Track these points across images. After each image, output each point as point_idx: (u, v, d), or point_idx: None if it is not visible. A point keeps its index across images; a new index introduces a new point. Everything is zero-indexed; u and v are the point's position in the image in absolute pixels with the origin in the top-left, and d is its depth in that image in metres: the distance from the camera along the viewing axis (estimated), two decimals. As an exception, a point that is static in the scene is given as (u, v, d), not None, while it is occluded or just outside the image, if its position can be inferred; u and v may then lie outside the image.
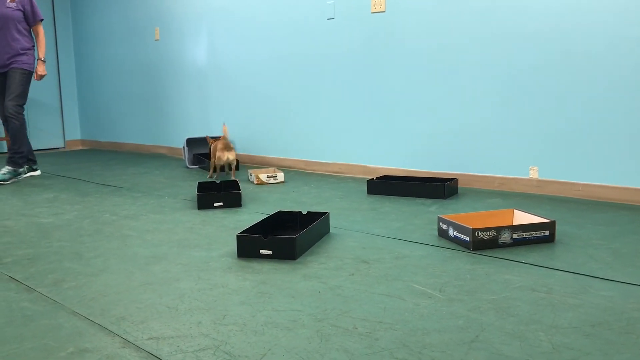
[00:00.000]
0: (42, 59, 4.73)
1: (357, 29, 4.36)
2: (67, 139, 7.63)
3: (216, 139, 4.74)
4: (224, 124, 4.56)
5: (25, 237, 2.77)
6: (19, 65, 4.60)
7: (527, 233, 2.40)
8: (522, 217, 2.62)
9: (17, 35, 4.58)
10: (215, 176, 4.43)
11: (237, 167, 4.61)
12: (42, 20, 4.73)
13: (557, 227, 2.67)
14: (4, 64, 4.58)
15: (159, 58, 6.29)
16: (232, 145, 4.26)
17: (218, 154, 4.23)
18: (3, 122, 4.67)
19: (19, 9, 4.57)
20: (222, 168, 4.61)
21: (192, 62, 5.87)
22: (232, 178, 4.27)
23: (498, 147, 3.70)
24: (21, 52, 4.60)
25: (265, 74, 5.10)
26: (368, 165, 4.42)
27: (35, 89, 7.28)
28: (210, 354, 1.46)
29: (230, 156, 4.21)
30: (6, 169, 4.62)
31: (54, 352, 1.51)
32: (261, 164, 5.25)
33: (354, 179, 4.36)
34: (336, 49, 4.52)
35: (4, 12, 4.51)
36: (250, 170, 4.31)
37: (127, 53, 6.74)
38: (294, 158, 4.96)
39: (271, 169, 4.35)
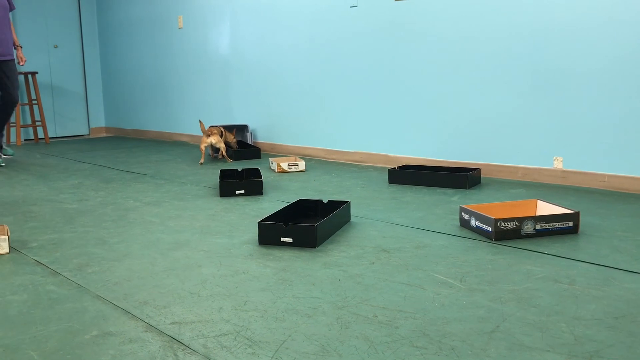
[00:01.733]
0: (20, 45, 5.04)
1: (380, 17, 4.33)
2: (91, 126, 7.72)
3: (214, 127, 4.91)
4: (200, 121, 4.78)
5: (51, 223, 2.82)
6: (13, 56, 4.82)
7: (551, 224, 2.37)
8: (545, 208, 2.59)
9: (8, 25, 4.78)
10: (201, 161, 4.73)
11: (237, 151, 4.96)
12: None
13: (581, 218, 2.64)
14: (6, 52, 4.74)
15: (182, 46, 6.32)
16: (214, 132, 4.66)
17: (202, 138, 4.66)
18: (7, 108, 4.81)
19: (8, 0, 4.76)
20: (216, 151, 5.01)
21: (214, 51, 5.89)
22: (229, 162, 4.75)
23: (522, 137, 3.66)
24: (10, 41, 4.78)
25: (288, 63, 5.10)
26: (389, 154, 4.41)
27: (60, 76, 7.38)
28: (231, 339, 1.48)
29: (213, 139, 4.63)
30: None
31: (78, 334, 1.54)
32: (282, 152, 5.26)
33: (375, 168, 4.35)
34: (359, 37, 4.49)
35: (3, 2, 4.68)
36: (271, 159, 4.33)
37: (150, 41, 6.78)
38: (315, 147, 4.96)
39: (292, 158, 4.36)
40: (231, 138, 4.99)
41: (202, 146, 4.65)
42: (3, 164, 4.86)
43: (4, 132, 5.05)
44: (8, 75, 4.73)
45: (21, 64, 4.98)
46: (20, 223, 2.82)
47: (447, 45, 3.95)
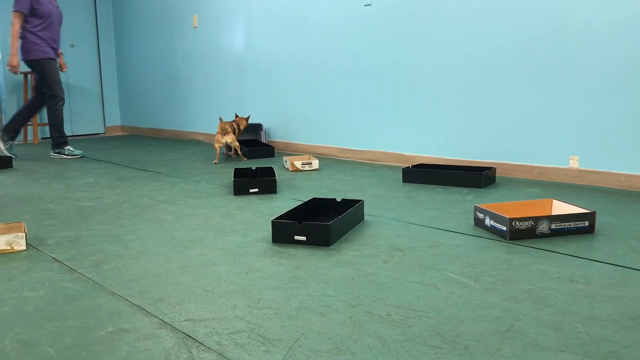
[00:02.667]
0: (62, 52, 5.64)
1: (394, 15, 4.32)
2: (107, 124, 7.79)
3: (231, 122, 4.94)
4: (220, 118, 4.72)
5: (67, 220, 2.84)
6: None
7: (566, 223, 2.35)
8: (561, 207, 2.57)
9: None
10: (215, 161, 4.75)
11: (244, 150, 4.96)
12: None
13: (597, 218, 2.62)
14: (57, 54, 5.33)
15: (197, 45, 6.35)
16: (229, 130, 4.61)
17: (217, 137, 4.63)
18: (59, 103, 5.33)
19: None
20: (229, 149, 5.01)
21: (229, 50, 5.91)
22: (243, 160, 4.78)
23: (537, 135, 3.63)
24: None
25: (302, 61, 5.10)
26: (404, 153, 4.39)
27: (76, 75, 7.45)
28: (245, 337, 1.49)
29: (228, 139, 4.61)
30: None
31: (94, 330, 1.55)
32: (296, 151, 5.26)
33: (389, 167, 4.34)
34: (373, 36, 4.48)
35: (58, 12, 5.30)
36: (285, 158, 4.33)
37: (166, 40, 6.82)
38: (329, 145, 4.96)
39: (306, 156, 4.36)
40: (244, 124, 4.98)
41: (217, 146, 4.63)
42: (15, 155, 5.28)
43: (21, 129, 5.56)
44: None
45: (63, 70, 5.45)
46: (37, 220, 2.85)
47: (463, 44, 3.93)
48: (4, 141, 5.27)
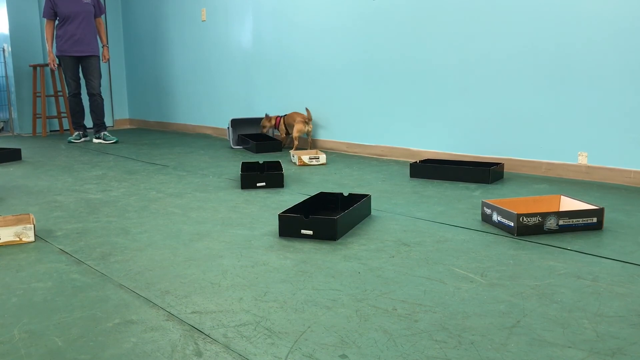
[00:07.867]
0: (107, 45, 6.02)
1: (402, 10, 4.30)
2: (115, 118, 7.81)
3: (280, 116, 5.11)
4: (307, 108, 4.88)
5: (75, 212, 2.86)
6: (94, 52, 5.78)
7: (574, 220, 2.34)
8: (569, 204, 2.56)
9: (90, 26, 5.78)
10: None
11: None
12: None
13: (606, 215, 2.60)
14: (86, 50, 5.73)
15: (205, 39, 6.35)
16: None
17: (299, 127, 4.82)
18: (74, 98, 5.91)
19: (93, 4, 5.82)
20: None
21: (237, 43, 5.91)
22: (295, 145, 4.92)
23: (546, 131, 3.61)
24: (92, 40, 5.77)
25: (309, 56, 5.09)
26: (411, 148, 4.38)
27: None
28: (251, 329, 1.49)
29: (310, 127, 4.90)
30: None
31: (101, 322, 1.56)
32: (303, 145, 5.26)
33: (396, 162, 4.33)
34: (380, 31, 4.47)
35: (87, 7, 5.71)
36: (292, 152, 4.33)
37: (174, 34, 6.82)
38: (336, 140, 4.95)
39: (313, 151, 4.36)
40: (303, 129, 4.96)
41: (297, 134, 4.79)
42: (114, 140, 5.90)
43: (103, 122, 6.06)
44: (89, 69, 5.77)
45: (104, 61, 5.96)
46: (45, 212, 2.87)
47: (471, 38, 3.91)
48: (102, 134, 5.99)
